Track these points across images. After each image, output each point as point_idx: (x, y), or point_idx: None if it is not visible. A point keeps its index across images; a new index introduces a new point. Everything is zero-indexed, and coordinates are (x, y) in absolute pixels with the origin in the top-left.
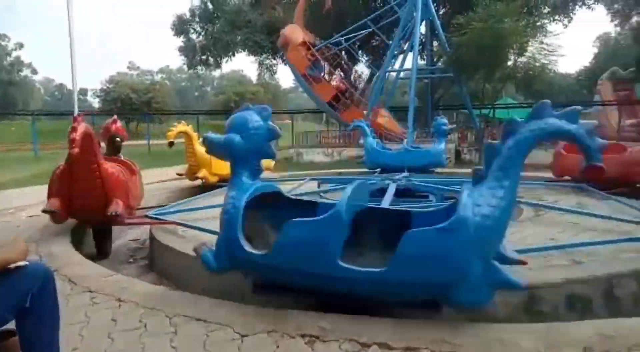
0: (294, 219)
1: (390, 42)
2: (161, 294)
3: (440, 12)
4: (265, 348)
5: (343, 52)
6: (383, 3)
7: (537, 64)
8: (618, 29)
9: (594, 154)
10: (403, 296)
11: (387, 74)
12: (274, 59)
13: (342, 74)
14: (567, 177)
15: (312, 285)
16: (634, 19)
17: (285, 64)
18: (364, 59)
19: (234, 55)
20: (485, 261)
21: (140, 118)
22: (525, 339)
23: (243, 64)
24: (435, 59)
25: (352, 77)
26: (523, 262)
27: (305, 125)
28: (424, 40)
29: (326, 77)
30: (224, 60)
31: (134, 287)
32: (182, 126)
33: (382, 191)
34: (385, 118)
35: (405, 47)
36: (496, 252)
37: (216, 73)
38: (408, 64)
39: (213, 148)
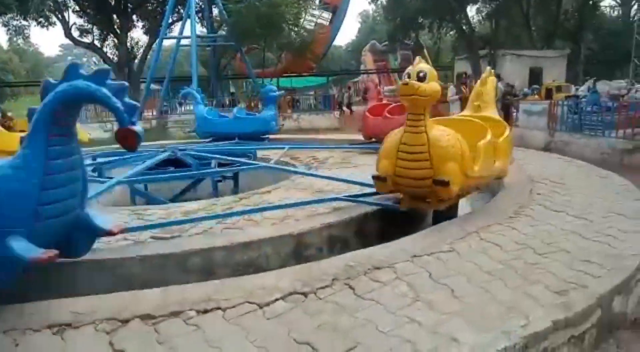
0: None
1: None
2: None
3: None
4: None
5: None
6: None
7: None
8: (373, 6)
9: (121, 117)
10: None
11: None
12: (25, 20)
13: (115, 40)
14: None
15: None
16: None
17: (42, 27)
18: (139, 24)
19: None
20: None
21: None
22: (287, 280)
23: None
24: (216, 26)
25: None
26: (112, 233)
27: None
28: (202, 7)
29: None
30: None
31: None
32: None
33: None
34: None
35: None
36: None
37: None
38: (188, 31)
39: None
